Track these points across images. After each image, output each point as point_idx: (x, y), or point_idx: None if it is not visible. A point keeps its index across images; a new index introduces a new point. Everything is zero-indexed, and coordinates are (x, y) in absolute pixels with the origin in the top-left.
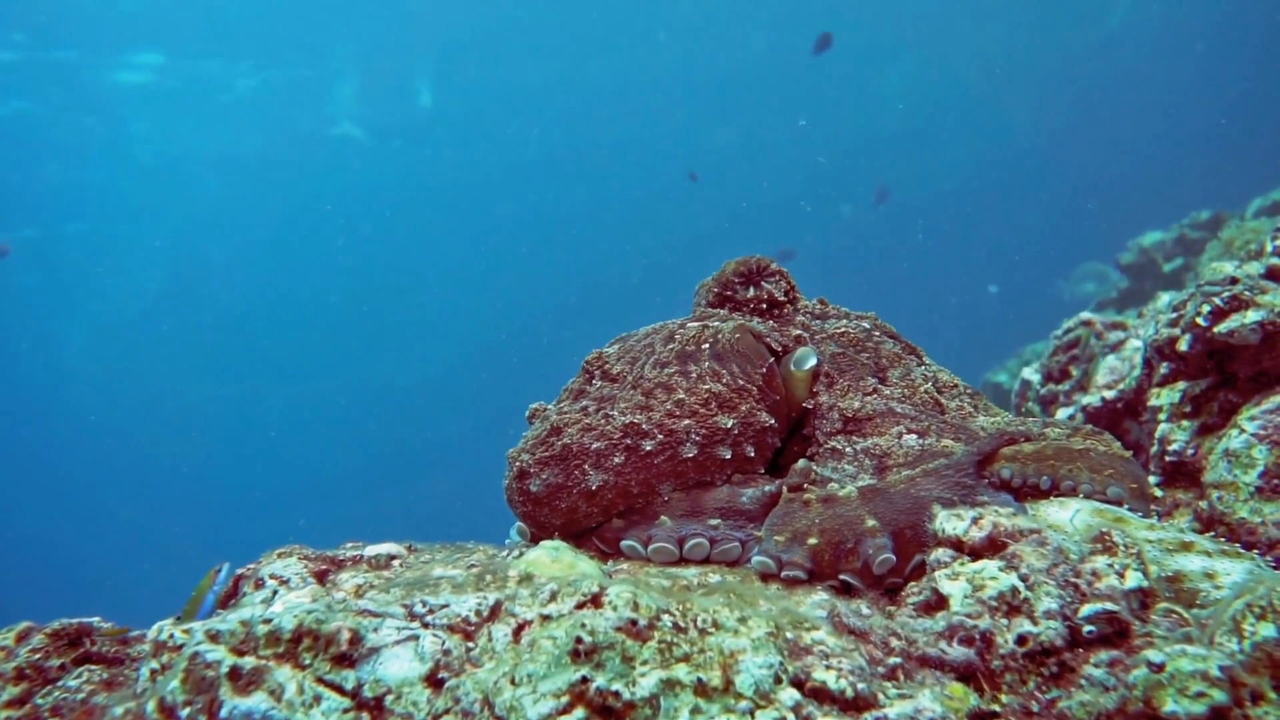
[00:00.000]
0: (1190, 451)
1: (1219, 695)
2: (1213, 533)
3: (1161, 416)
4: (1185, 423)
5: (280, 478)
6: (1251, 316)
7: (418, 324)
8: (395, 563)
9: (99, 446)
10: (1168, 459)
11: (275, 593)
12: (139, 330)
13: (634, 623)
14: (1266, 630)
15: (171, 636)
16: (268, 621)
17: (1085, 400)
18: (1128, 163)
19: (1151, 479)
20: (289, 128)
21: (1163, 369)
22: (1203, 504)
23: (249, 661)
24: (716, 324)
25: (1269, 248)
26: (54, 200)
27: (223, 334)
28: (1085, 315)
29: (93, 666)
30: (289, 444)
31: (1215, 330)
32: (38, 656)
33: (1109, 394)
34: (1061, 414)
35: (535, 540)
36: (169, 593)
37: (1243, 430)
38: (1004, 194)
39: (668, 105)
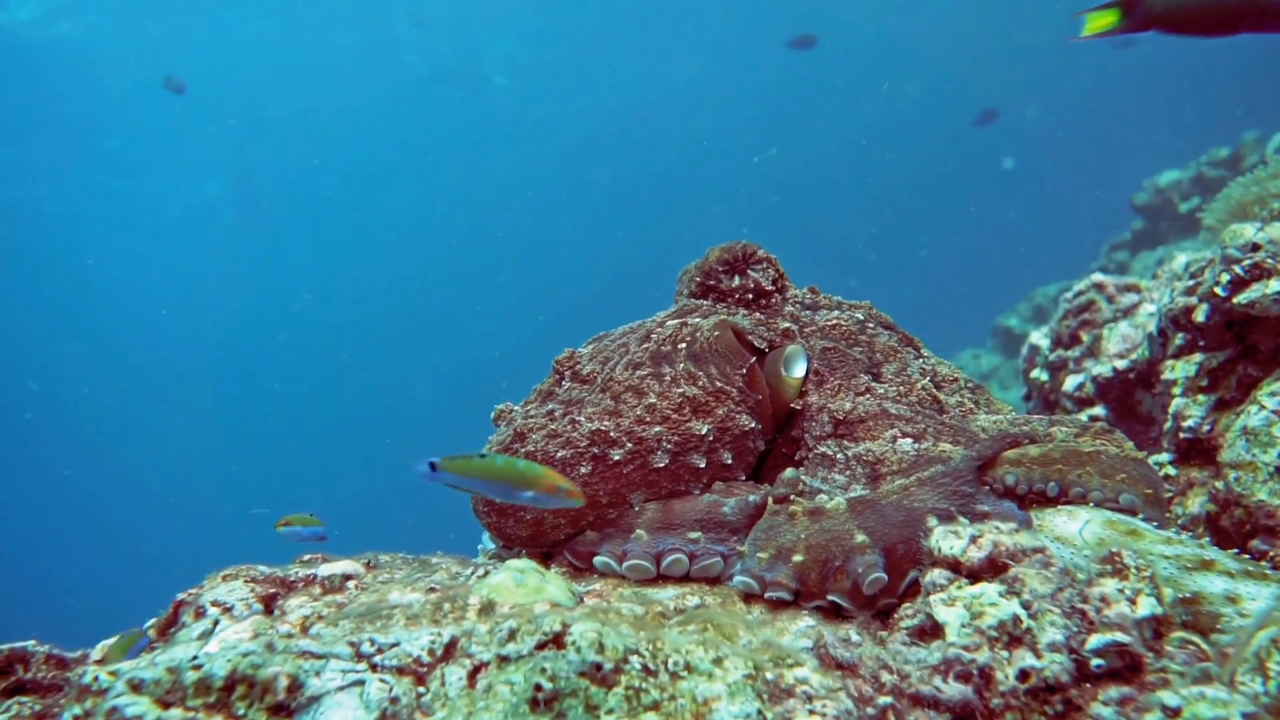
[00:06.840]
0: (1206, 428)
1: None
2: (1229, 515)
3: (1176, 390)
4: (1201, 397)
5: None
6: (1274, 286)
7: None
8: (350, 583)
9: (97, 443)
10: (1182, 435)
11: (216, 623)
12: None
13: (599, 666)
14: None
15: (96, 680)
16: (198, 667)
17: (1096, 370)
18: (1142, 99)
19: (1165, 456)
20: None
21: (1178, 339)
22: (1219, 484)
23: (175, 715)
24: (696, 320)
25: None
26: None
27: (231, 332)
28: (1097, 277)
29: (24, 698)
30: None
31: (1235, 300)
32: None
33: (1121, 364)
34: (1071, 381)
35: (507, 548)
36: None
37: (1263, 406)
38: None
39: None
